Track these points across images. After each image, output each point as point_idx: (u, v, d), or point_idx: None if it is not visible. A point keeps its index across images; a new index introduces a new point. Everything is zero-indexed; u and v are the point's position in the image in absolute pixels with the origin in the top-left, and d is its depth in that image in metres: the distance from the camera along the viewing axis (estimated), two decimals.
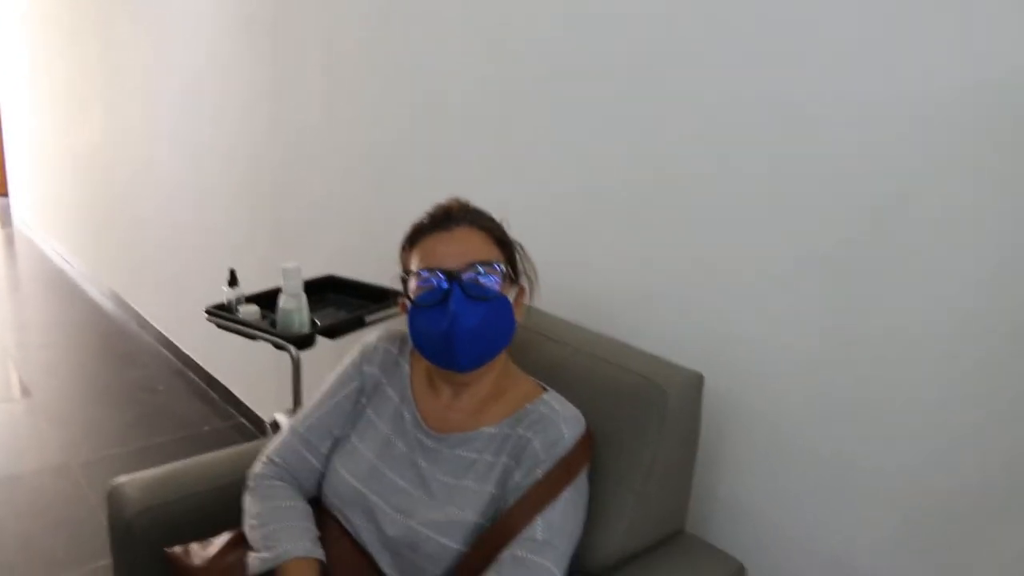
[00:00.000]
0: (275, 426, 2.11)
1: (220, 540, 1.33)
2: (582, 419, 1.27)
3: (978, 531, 1.22)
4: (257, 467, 1.39)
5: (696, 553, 1.41)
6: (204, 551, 1.32)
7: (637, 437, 1.31)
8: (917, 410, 1.26)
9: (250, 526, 1.30)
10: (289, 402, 2.16)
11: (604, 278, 1.70)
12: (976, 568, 1.24)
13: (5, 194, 7.81)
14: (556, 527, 1.18)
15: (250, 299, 2.08)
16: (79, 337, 4.51)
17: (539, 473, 1.20)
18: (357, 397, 1.38)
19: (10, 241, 6.69)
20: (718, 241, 1.48)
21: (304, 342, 1.90)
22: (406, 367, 1.38)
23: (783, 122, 1.35)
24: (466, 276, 1.23)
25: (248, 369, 3.28)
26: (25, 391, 3.68)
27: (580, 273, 1.74)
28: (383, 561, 1.26)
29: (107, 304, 4.95)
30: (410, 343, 1.40)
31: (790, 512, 1.45)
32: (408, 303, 1.27)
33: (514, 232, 1.36)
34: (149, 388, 3.76)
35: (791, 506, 1.44)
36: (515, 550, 1.15)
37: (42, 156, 6.16)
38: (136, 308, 4.55)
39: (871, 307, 1.28)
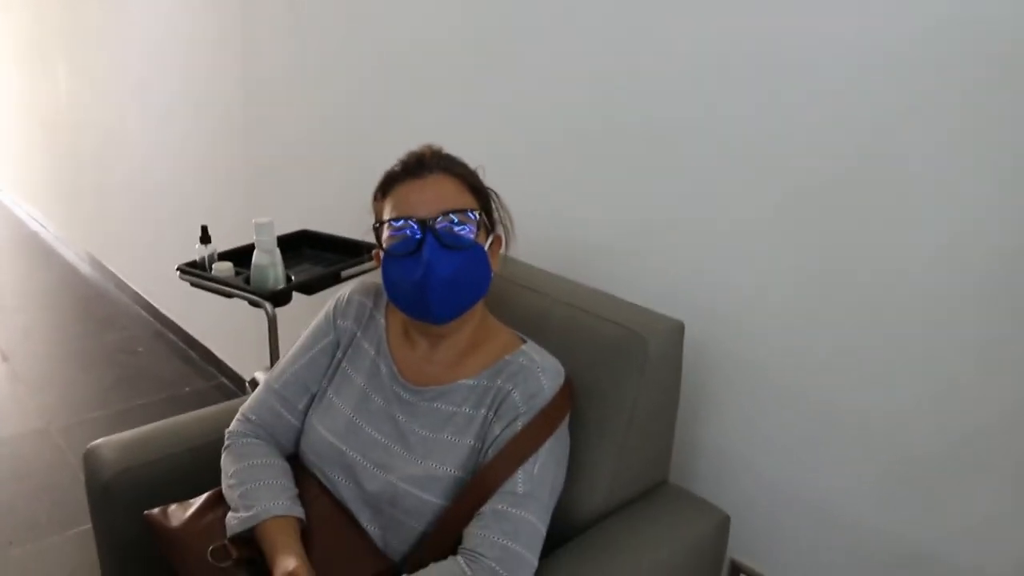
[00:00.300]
0: (254, 384, 2.09)
1: (198, 501, 1.31)
2: (562, 370, 1.25)
3: (959, 477, 1.22)
4: (233, 425, 1.36)
5: (680, 503, 1.40)
6: (182, 512, 1.29)
7: (617, 387, 1.30)
8: (901, 356, 1.25)
9: (227, 485, 1.28)
10: (268, 360, 2.13)
11: (583, 226, 1.67)
12: (955, 513, 1.24)
13: None
14: (537, 479, 1.16)
15: (224, 256, 2.04)
16: (56, 300, 4.45)
17: (519, 425, 1.18)
18: (332, 351, 1.36)
19: None
20: (697, 186, 1.45)
21: (279, 298, 1.87)
22: (381, 320, 1.35)
23: (763, 63, 1.32)
24: (440, 224, 1.19)
25: (228, 328, 3.25)
26: (2, 356, 3.63)
27: (558, 222, 1.71)
28: (363, 517, 1.24)
29: (83, 267, 4.88)
30: (385, 296, 1.37)
31: (774, 460, 1.44)
32: (382, 253, 1.24)
33: (490, 180, 1.32)
34: (128, 350, 3.72)
35: (775, 454, 1.44)
36: (496, 504, 1.14)
37: (8, 119, 6.03)
38: (113, 270, 4.49)
39: (854, 250, 1.26)
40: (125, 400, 3.22)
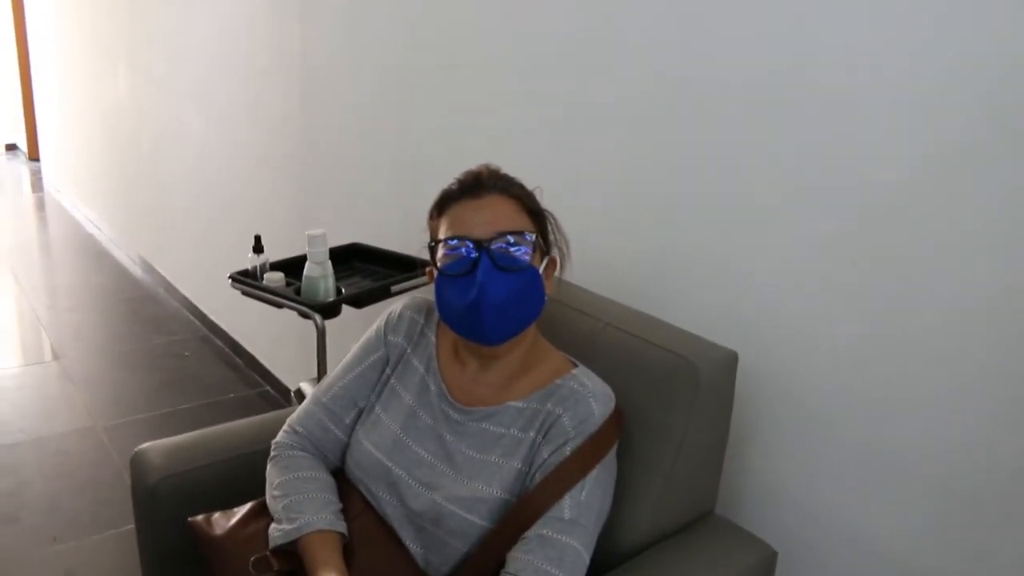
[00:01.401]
0: (299, 395, 2.10)
1: (242, 510, 1.31)
2: (612, 396, 1.23)
3: (1007, 519, 1.18)
4: (280, 436, 1.37)
5: (726, 537, 1.37)
6: (226, 520, 1.30)
7: (667, 415, 1.28)
8: (954, 398, 1.21)
9: (272, 496, 1.28)
10: (314, 371, 2.14)
11: (638, 251, 1.66)
12: (1003, 554, 1.20)
13: (36, 159, 7.86)
14: (584, 506, 1.15)
15: (275, 266, 2.06)
16: (107, 302, 4.54)
17: (568, 450, 1.17)
18: (382, 367, 1.35)
19: (41, 206, 6.74)
20: (759, 215, 1.43)
21: (329, 311, 1.88)
22: (432, 337, 1.35)
23: (819, 83, 1.30)
24: (495, 246, 1.19)
25: (274, 337, 3.27)
26: (54, 354, 3.71)
27: (614, 246, 1.69)
28: (406, 535, 1.24)
29: (135, 269, 4.97)
30: (436, 313, 1.36)
31: (823, 496, 1.41)
32: (435, 272, 1.23)
33: (547, 202, 1.31)
34: (175, 354, 3.78)
35: (824, 490, 1.40)
36: (541, 529, 1.12)
37: (70, 120, 6.18)
38: (163, 273, 4.56)
39: (914, 292, 1.23)
40: (170, 403, 3.26)
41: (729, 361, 1.33)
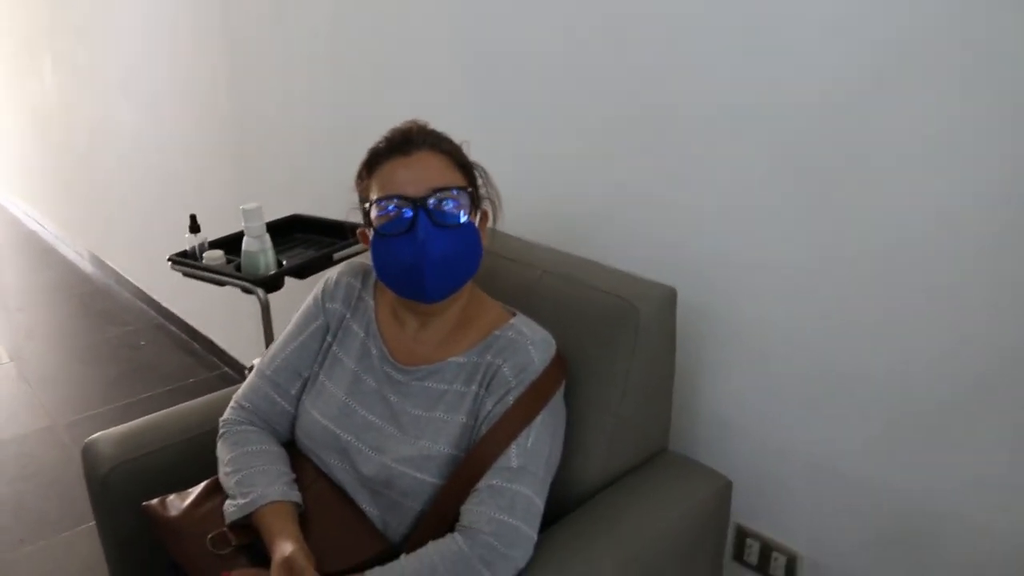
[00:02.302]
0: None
1: (196, 490, 1.30)
2: (552, 341, 1.24)
3: (962, 432, 1.21)
4: (227, 413, 1.36)
5: (681, 470, 1.39)
6: (181, 502, 1.29)
7: (611, 356, 1.29)
8: (901, 311, 1.23)
9: (224, 473, 1.28)
10: (264, 347, 2.12)
11: (570, 195, 1.66)
12: (960, 468, 1.23)
13: None
14: (532, 453, 1.15)
15: (215, 244, 2.03)
16: (57, 298, 4.45)
17: (510, 399, 1.17)
18: (322, 335, 1.34)
19: None
20: (687, 147, 1.43)
21: (271, 284, 1.86)
22: (370, 301, 1.34)
23: (749, 24, 1.30)
24: (431, 203, 1.17)
25: (228, 318, 3.24)
26: (7, 356, 3.63)
27: (544, 193, 1.69)
28: (361, 500, 1.24)
29: (83, 263, 4.87)
30: (373, 275, 1.35)
31: (774, 423, 1.43)
32: (370, 233, 1.22)
33: (475, 150, 1.30)
34: (131, 344, 3.72)
35: (775, 417, 1.43)
36: (491, 479, 1.13)
37: (1, 119, 6.00)
38: (112, 265, 4.48)
39: (852, 207, 1.24)
40: (129, 394, 3.22)
41: (668, 298, 1.34)
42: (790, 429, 1.41)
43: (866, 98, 1.19)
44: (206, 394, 1.64)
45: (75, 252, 5.02)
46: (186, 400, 1.64)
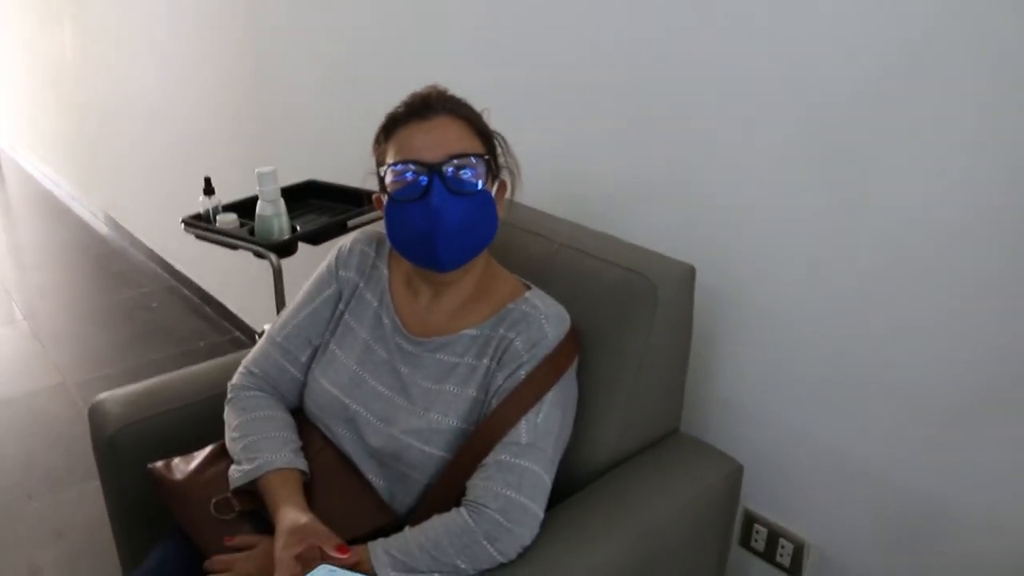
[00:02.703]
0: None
1: (202, 454, 1.29)
2: (566, 316, 1.21)
3: (977, 426, 1.19)
4: (236, 378, 1.34)
5: (692, 453, 1.37)
6: (186, 465, 1.28)
7: (626, 334, 1.26)
8: (920, 302, 1.20)
9: (230, 439, 1.26)
10: (275, 313, 2.11)
11: (590, 169, 1.63)
12: (972, 468, 1.20)
13: None
14: (541, 429, 1.13)
15: (229, 207, 2.01)
16: (72, 258, 4.46)
17: (522, 374, 1.15)
18: (335, 303, 1.32)
19: None
20: (707, 126, 1.40)
21: (284, 249, 1.84)
22: (384, 269, 1.32)
23: None
24: (447, 169, 1.14)
25: (241, 282, 3.22)
26: (21, 314, 3.64)
27: (567, 166, 1.66)
28: (368, 470, 1.22)
29: (98, 224, 4.87)
30: (388, 244, 1.33)
31: (787, 408, 1.41)
32: (385, 199, 1.20)
33: (495, 122, 1.27)
34: (144, 306, 3.72)
35: (788, 402, 1.40)
36: (499, 454, 1.11)
37: (20, 76, 5.98)
38: (126, 226, 4.48)
39: (876, 193, 1.21)
40: (140, 356, 3.23)
41: (687, 276, 1.31)
42: (804, 416, 1.39)
43: (897, 87, 1.15)
44: (216, 357, 1.63)
45: (90, 212, 5.02)
46: (196, 363, 1.62)
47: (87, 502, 2.33)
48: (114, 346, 3.35)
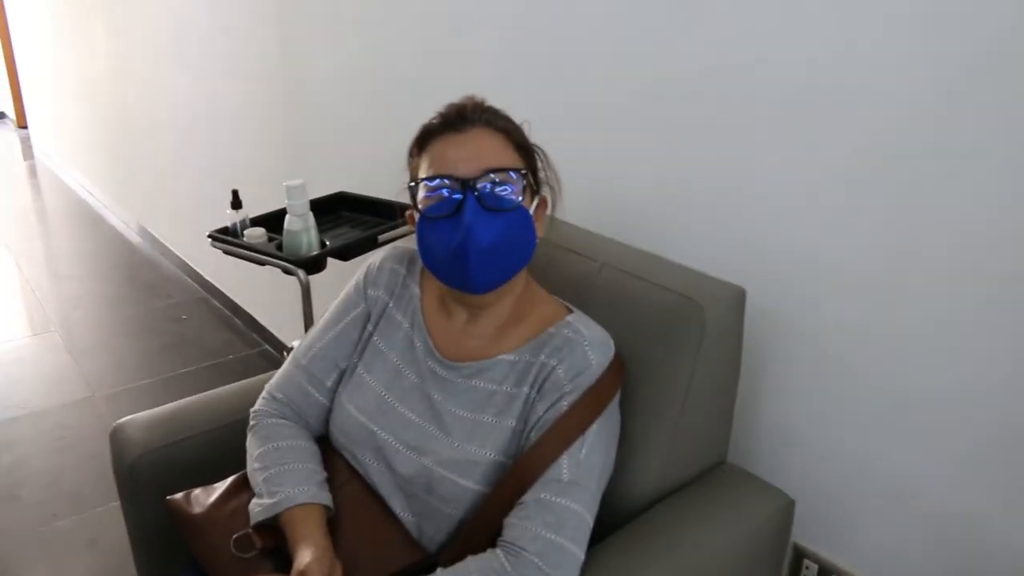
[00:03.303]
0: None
1: (223, 485, 1.23)
2: (611, 343, 1.14)
3: None
4: (258, 404, 1.28)
5: (740, 487, 1.28)
6: (206, 497, 1.21)
7: (672, 361, 1.18)
8: (984, 333, 1.11)
9: (252, 469, 1.20)
10: (304, 330, 2.05)
11: (635, 185, 1.55)
12: None
13: (24, 126, 7.72)
14: (584, 465, 1.05)
15: (257, 221, 1.95)
16: (104, 268, 4.45)
17: (564, 405, 1.07)
18: (363, 324, 1.26)
19: (32, 173, 6.62)
20: (762, 138, 1.31)
21: (312, 265, 1.78)
22: (416, 289, 1.25)
23: (829, 4, 1.17)
24: (481, 184, 1.07)
25: (271, 295, 3.19)
26: (51, 324, 3.63)
27: (609, 180, 1.58)
28: (396, 503, 1.15)
29: (130, 233, 4.88)
30: (420, 262, 1.26)
31: (841, 440, 1.32)
32: (417, 215, 1.13)
33: (536, 136, 1.20)
34: (174, 318, 3.70)
35: (842, 434, 1.32)
36: (539, 492, 1.04)
37: (55, 85, 6.03)
38: (158, 236, 4.47)
39: (934, 216, 1.12)
40: (169, 368, 3.19)
41: (737, 299, 1.23)
42: (859, 446, 1.30)
43: (960, 98, 1.07)
44: (245, 371, 1.59)
45: (123, 222, 5.03)
46: (225, 376, 1.58)
47: (112, 522, 2.28)
48: (143, 358, 3.32)
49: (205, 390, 1.53)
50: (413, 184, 1.14)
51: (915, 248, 1.16)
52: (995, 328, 1.10)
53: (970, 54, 1.05)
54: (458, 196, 1.07)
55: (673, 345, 1.19)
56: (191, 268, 4.05)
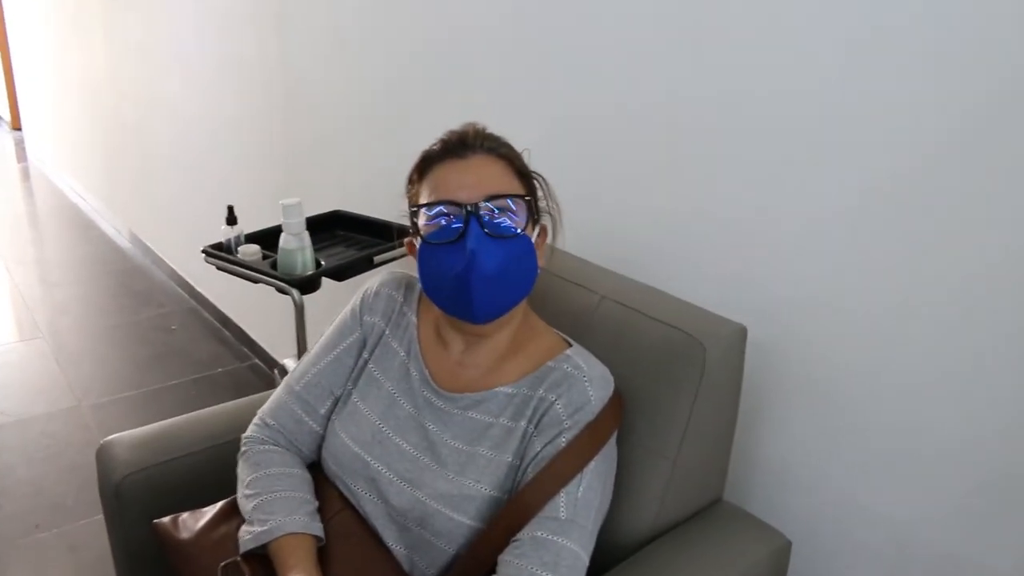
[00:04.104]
0: (283, 372, 1.99)
1: (212, 510, 1.21)
2: (610, 379, 1.12)
3: None
4: (250, 430, 1.25)
5: (737, 526, 1.26)
6: (194, 522, 1.19)
7: (671, 397, 1.17)
8: (985, 376, 1.10)
9: (243, 496, 1.18)
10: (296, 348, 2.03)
11: (637, 217, 1.53)
12: None
13: (19, 128, 7.68)
14: (581, 503, 1.04)
15: (252, 238, 1.94)
16: (94, 275, 4.41)
17: (563, 442, 1.06)
18: (358, 350, 1.24)
19: (26, 176, 6.58)
20: (765, 174, 1.31)
21: (307, 285, 1.76)
22: (412, 317, 1.23)
23: (832, 36, 1.17)
24: (484, 211, 1.06)
25: (262, 309, 3.16)
26: (38, 331, 3.60)
27: (609, 211, 1.57)
28: (389, 535, 1.13)
29: (122, 241, 4.84)
30: (417, 289, 1.25)
31: (840, 480, 1.30)
32: (417, 241, 1.11)
33: (536, 165, 1.19)
34: (163, 328, 3.67)
35: (841, 474, 1.30)
36: (535, 530, 1.02)
37: (51, 89, 6.01)
38: (150, 245, 4.44)
39: (943, 261, 1.11)
40: (157, 379, 3.16)
41: (738, 337, 1.21)
42: (859, 488, 1.28)
43: (971, 140, 1.06)
44: (234, 384, 1.56)
45: (114, 228, 5.00)
46: (213, 389, 1.57)
47: (95, 535, 2.25)
48: (131, 368, 3.29)
49: (193, 403, 1.51)
50: (414, 210, 1.13)
51: (918, 293, 1.15)
52: (996, 376, 1.09)
53: (982, 95, 1.04)
54: (460, 222, 1.06)
55: (673, 382, 1.17)
56: (182, 278, 4.02)
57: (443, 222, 1.08)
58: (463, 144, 1.12)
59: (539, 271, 1.14)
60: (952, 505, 1.18)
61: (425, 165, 1.14)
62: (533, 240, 1.12)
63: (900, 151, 1.13)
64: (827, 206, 1.23)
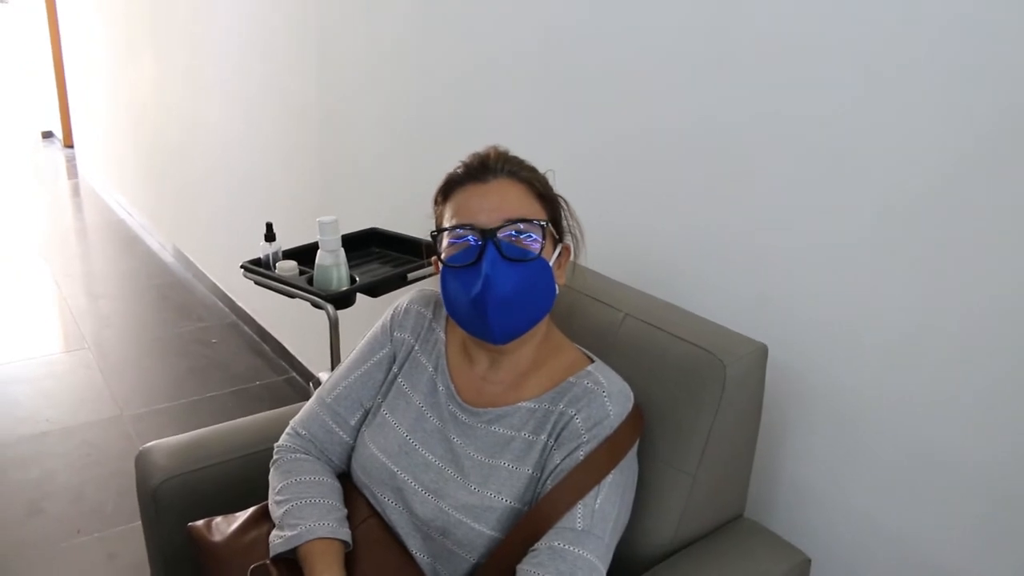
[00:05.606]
0: (319, 385, 2.04)
1: (244, 515, 1.25)
2: (630, 394, 1.15)
3: None
4: (282, 439, 1.30)
5: (756, 543, 1.28)
6: (227, 526, 1.24)
7: (693, 415, 1.19)
8: (1006, 398, 1.11)
9: (274, 502, 1.22)
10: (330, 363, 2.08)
11: (661, 236, 1.56)
12: None
13: (71, 146, 7.89)
14: (599, 515, 1.06)
15: (289, 254, 1.99)
16: (138, 288, 4.52)
17: (581, 455, 1.09)
18: (388, 365, 1.28)
19: (76, 192, 6.75)
20: (787, 195, 1.33)
21: (342, 301, 1.81)
22: (441, 333, 1.27)
23: (855, 60, 1.19)
24: (502, 234, 1.10)
25: (300, 323, 3.22)
26: (83, 342, 3.69)
27: (633, 231, 1.60)
28: (413, 544, 1.17)
29: (165, 255, 4.96)
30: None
31: (860, 500, 1.31)
32: (440, 263, 1.15)
33: (561, 185, 1.22)
34: (203, 341, 3.75)
35: (861, 494, 1.31)
36: (553, 540, 1.05)
37: (101, 108, 6.17)
38: (192, 259, 4.54)
39: (970, 276, 1.12)
40: (196, 391, 3.23)
41: (759, 356, 1.23)
42: (878, 508, 1.29)
43: (990, 163, 1.07)
44: (271, 397, 1.61)
45: (159, 243, 5.12)
46: (251, 402, 1.61)
47: (134, 542, 2.31)
48: (171, 380, 3.36)
49: (231, 415, 1.55)
50: (436, 233, 1.17)
51: (938, 316, 1.16)
52: (1014, 400, 1.10)
53: (1005, 119, 1.05)
54: (477, 245, 1.10)
55: (694, 399, 1.20)
56: (223, 292, 4.11)
57: (462, 245, 1.12)
58: (484, 168, 1.16)
59: (562, 288, 1.17)
60: (969, 526, 1.18)
61: (448, 188, 1.18)
62: (553, 260, 1.15)
63: (922, 175, 1.15)
64: (849, 229, 1.25)
